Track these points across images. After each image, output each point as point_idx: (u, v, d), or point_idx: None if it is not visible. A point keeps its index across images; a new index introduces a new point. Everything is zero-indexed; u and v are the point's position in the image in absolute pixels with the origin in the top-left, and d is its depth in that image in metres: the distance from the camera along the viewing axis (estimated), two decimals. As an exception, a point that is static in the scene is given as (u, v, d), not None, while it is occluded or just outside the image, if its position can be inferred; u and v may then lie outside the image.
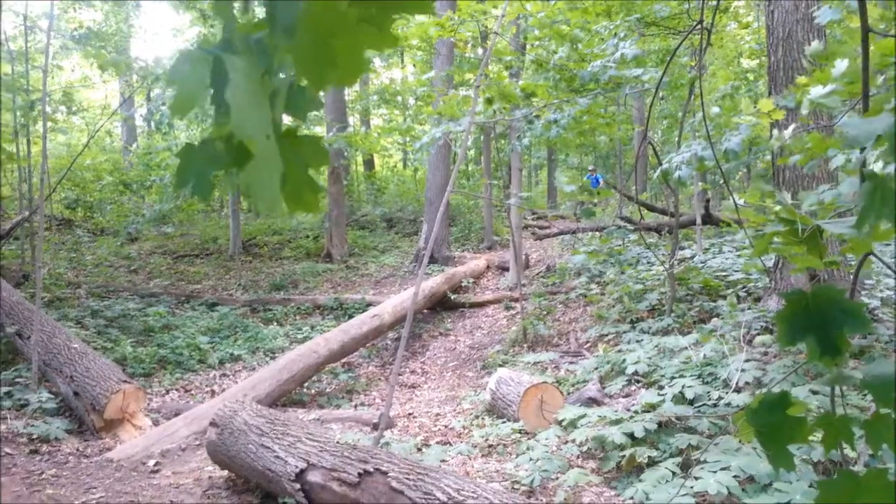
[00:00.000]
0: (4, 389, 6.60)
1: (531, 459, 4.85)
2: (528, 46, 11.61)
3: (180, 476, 5.22)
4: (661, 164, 5.55)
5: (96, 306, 9.54)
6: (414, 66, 23.08)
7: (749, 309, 6.61)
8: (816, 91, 3.44)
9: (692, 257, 9.63)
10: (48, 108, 10.38)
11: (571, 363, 7.32)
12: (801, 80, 3.76)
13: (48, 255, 12.33)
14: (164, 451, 5.69)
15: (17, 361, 7.41)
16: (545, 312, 9.43)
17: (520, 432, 5.60)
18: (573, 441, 5.00)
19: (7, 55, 11.86)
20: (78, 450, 5.82)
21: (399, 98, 22.43)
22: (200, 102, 1.05)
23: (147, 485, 4.97)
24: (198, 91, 1.02)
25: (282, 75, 1.04)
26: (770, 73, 6.64)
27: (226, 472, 5.01)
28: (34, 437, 5.84)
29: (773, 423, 1.32)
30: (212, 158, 1.11)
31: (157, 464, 5.47)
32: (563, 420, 5.36)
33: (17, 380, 6.85)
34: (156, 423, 6.43)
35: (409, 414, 6.98)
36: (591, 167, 19.14)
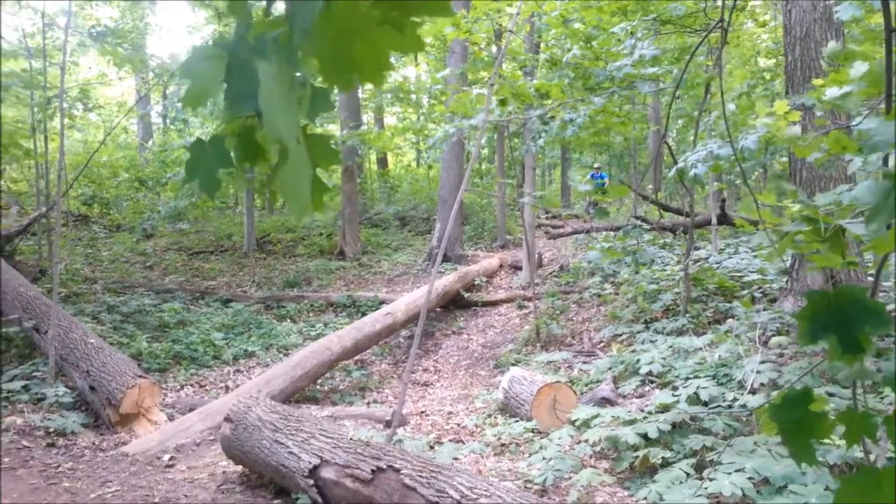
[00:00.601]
0: (22, 383, 6.67)
1: (544, 459, 4.84)
2: (542, 45, 11.57)
3: (195, 470, 5.25)
4: (676, 164, 5.52)
5: (112, 302, 9.62)
6: (427, 64, 23.08)
7: (765, 310, 6.56)
8: (832, 92, 3.42)
9: (707, 258, 9.58)
10: (65, 104, 10.47)
11: (585, 363, 7.30)
12: (818, 81, 3.73)
13: (65, 251, 12.45)
14: (179, 446, 5.73)
15: (34, 356, 7.48)
16: (558, 312, 9.41)
17: (532, 431, 5.60)
18: (586, 441, 4.99)
19: (25, 52, 11.97)
20: (94, 444, 5.88)
21: (413, 96, 22.44)
22: (213, 97, 1.05)
23: (162, 479, 5.01)
24: (211, 86, 1.03)
25: (297, 74, 1.05)
26: (787, 72, 6.59)
27: (240, 468, 5.04)
28: (51, 430, 5.91)
29: (795, 418, 1.32)
30: (221, 156, 1.12)
31: (171, 458, 5.51)
32: (576, 420, 5.35)
33: (35, 374, 6.92)
34: (171, 418, 6.47)
35: (422, 412, 6.99)
36: (596, 165, 18.74)
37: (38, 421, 5.99)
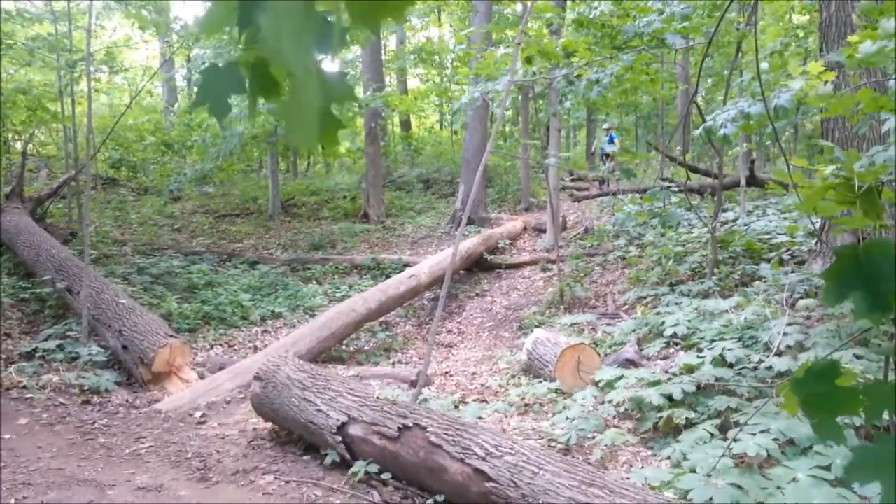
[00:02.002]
0: (56, 342, 6.85)
1: (567, 418, 4.88)
2: (569, 2, 11.33)
3: (226, 427, 5.39)
4: (705, 123, 5.41)
5: (142, 263, 9.78)
6: (451, 24, 22.75)
7: (793, 272, 6.49)
8: (866, 48, 3.30)
9: (735, 219, 9.45)
10: (91, 68, 10.51)
11: (609, 325, 7.30)
12: (853, 38, 3.62)
13: (94, 214, 12.64)
14: (210, 404, 5.87)
15: (67, 316, 7.67)
16: (582, 274, 9.39)
17: (556, 392, 5.64)
18: (610, 401, 5.02)
19: (51, 16, 12.00)
20: (127, 401, 6.05)
21: (436, 57, 22.18)
22: (230, 23, 1.02)
23: (194, 435, 5.15)
24: (229, 11, 1.00)
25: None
26: (822, 28, 6.39)
27: (269, 425, 5.16)
28: (85, 388, 6.08)
29: (820, 393, 1.24)
30: (233, 81, 1.10)
31: (203, 415, 5.66)
32: (600, 381, 5.37)
33: (68, 333, 7.10)
34: (201, 376, 6.62)
35: (446, 372, 7.07)
36: (606, 125, 17.27)
37: (73, 379, 6.16)
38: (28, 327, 7.73)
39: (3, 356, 6.80)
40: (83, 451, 4.74)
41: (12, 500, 3.77)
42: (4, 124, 12.43)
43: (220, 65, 1.12)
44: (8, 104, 11.83)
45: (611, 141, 16.36)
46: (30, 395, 5.81)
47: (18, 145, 14.95)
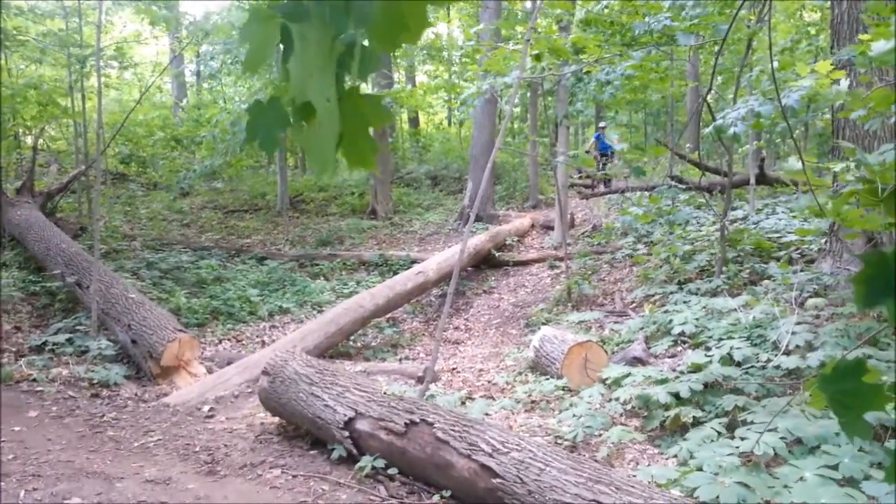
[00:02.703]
0: (66, 336, 6.90)
1: (574, 416, 4.88)
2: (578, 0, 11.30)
3: (234, 421, 5.42)
4: (715, 121, 5.39)
5: (151, 258, 9.83)
6: (460, 20, 22.72)
7: (802, 271, 6.46)
8: (879, 46, 3.28)
9: (744, 218, 9.41)
10: (101, 63, 10.56)
11: (616, 323, 7.29)
12: (864, 36, 3.59)
13: (104, 209, 12.70)
14: (218, 398, 5.90)
15: (76, 310, 7.71)
16: (590, 272, 9.37)
17: (563, 389, 5.63)
18: (617, 399, 5.01)
19: (61, 11, 12.06)
20: (136, 395, 6.08)
21: (445, 54, 22.15)
22: (270, 59, 1.09)
23: (202, 429, 5.18)
24: (267, 48, 1.07)
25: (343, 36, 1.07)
26: (833, 26, 6.35)
27: (277, 419, 5.18)
28: (95, 381, 6.12)
29: (847, 390, 1.27)
30: (279, 116, 1.15)
31: (211, 409, 5.69)
32: (607, 378, 5.36)
33: (78, 327, 7.14)
34: (209, 371, 6.65)
35: (453, 369, 7.07)
36: (601, 124, 16.19)
37: (83, 372, 6.21)
38: (38, 321, 7.78)
39: (14, 349, 6.85)
40: (92, 444, 4.77)
41: (22, 492, 3.80)
42: (16, 119, 12.49)
43: (264, 101, 1.17)
44: (19, 99, 11.90)
45: (604, 142, 15.35)
46: (40, 388, 5.86)
47: (29, 140, 15.03)
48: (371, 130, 1.19)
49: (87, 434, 5.00)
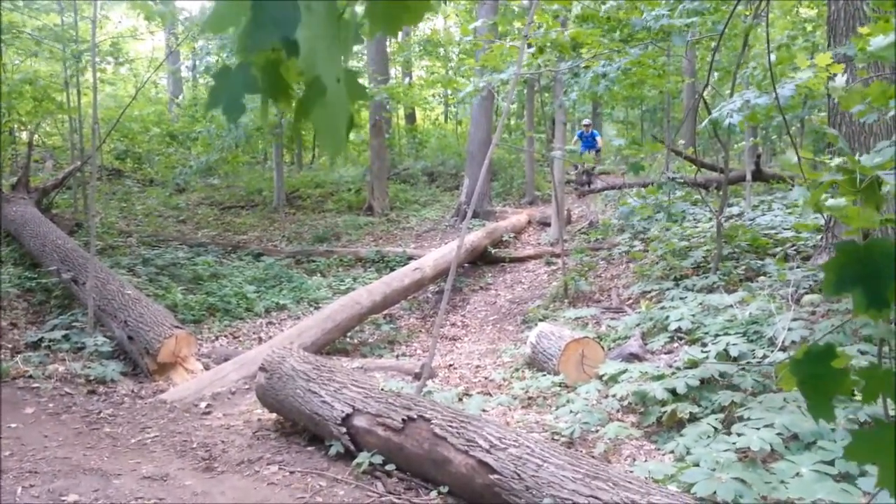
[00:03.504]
0: (62, 333, 6.88)
1: (571, 412, 4.90)
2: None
3: (231, 418, 5.42)
4: (711, 115, 5.40)
5: (147, 254, 9.81)
6: (457, 16, 22.69)
7: (798, 268, 6.48)
8: (878, 42, 3.28)
9: (740, 214, 9.43)
10: (96, 59, 10.52)
11: (613, 319, 7.31)
12: (863, 29, 3.58)
13: (100, 205, 12.66)
14: (215, 394, 5.90)
15: (73, 306, 7.69)
16: (587, 268, 9.39)
17: (560, 386, 5.64)
18: (614, 395, 5.03)
19: (56, 6, 12.00)
20: (133, 391, 6.08)
21: (442, 49, 22.13)
22: (238, 23, 1.02)
23: (199, 425, 5.18)
24: (238, 10, 0.99)
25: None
26: (830, 22, 6.36)
27: (274, 415, 5.18)
28: (91, 378, 6.11)
29: (816, 374, 1.29)
30: (247, 82, 1.09)
31: (208, 406, 5.68)
32: (603, 375, 5.38)
33: (74, 324, 7.12)
34: (206, 367, 6.65)
35: (450, 365, 7.08)
36: (585, 122, 15.37)
37: (79, 369, 6.19)
38: (34, 317, 7.76)
39: (10, 346, 6.84)
40: (89, 441, 4.77)
41: (19, 488, 3.80)
42: (11, 114, 12.44)
43: (232, 67, 1.10)
44: (14, 94, 11.85)
45: (588, 141, 14.66)
46: (36, 385, 5.85)
47: (24, 135, 14.97)
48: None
49: (84, 431, 4.99)
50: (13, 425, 4.93)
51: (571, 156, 11.62)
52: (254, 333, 8.28)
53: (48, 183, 11.84)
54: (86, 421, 5.21)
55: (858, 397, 1.31)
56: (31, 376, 6.00)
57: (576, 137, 15.15)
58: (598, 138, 15.09)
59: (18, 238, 9.27)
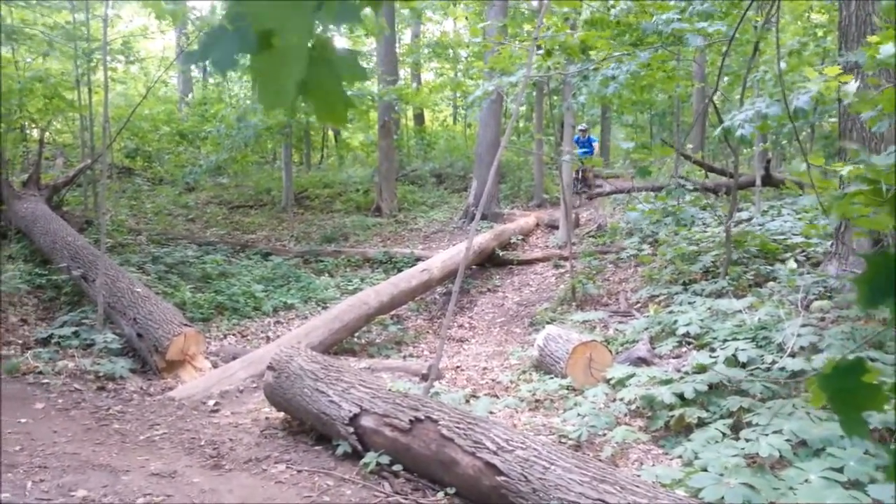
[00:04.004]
0: (72, 329, 6.93)
1: (578, 415, 4.90)
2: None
3: (239, 416, 5.43)
4: (722, 123, 5.39)
5: (157, 253, 9.85)
6: (467, 17, 22.71)
7: (807, 273, 6.45)
8: (887, 49, 3.28)
9: (750, 219, 9.41)
10: (108, 57, 10.58)
11: (621, 323, 7.30)
12: (873, 38, 3.58)
13: (110, 203, 12.72)
14: (223, 392, 5.92)
15: (82, 303, 7.73)
16: (595, 272, 9.38)
17: (567, 389, 5.64)
18: (621, 399, 5.02)
19: (68, 4, 12.06)
20: (142, 388, 6.11)
21: (451, 51, 22.14)
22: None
23: (207, 423, 5.19)
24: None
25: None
26: (841, 28, 6.34)
27: (282, 414, 5.20)
28: (101, 374, 6.14)
29: (846, 389, 1.28)
30: (244, 41, 1.09)
31: (216, 404, 5.70)
32: (611, 378, 5.37)
33: (84, 321, 7.16)
34: (215, 365, 6.67)
35: (457, 367, 7.09)
36: (580, 127, 13.77)
37: (89, 365, 6.23)
38: (44, 313, 7.81)
39: (20, 342, 6.88)
40: (98, 437, 4.79)
41: (29, 483, 3.82)
42: (22, 112, 12.51)
43: (230, 28, 1.09)
44: (25, 92, 11.92)
45: (585, 146, 13.73)
46: (46, 381, 5.88)
47: (35, 133, 15.05)
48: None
49: (93, 427, 5.02)
50: (23, 420, 4.96)
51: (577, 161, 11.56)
52: (262, 332, 8.31)
53: (59, 180, 11.90)
54: (95, 417, 5.24)
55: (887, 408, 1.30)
56: (41, 372, 6.03)
57: (572, 141, 14.51)
58: (595, 144, 14.39)
59: (29, 235, 9.33)
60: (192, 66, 22.46)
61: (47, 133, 14.61)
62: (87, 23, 11.71)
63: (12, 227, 9.82)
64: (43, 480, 3.88)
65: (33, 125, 14.76)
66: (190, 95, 22.47)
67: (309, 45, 1.02)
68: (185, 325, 6.66)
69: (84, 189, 12.33)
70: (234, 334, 8.14)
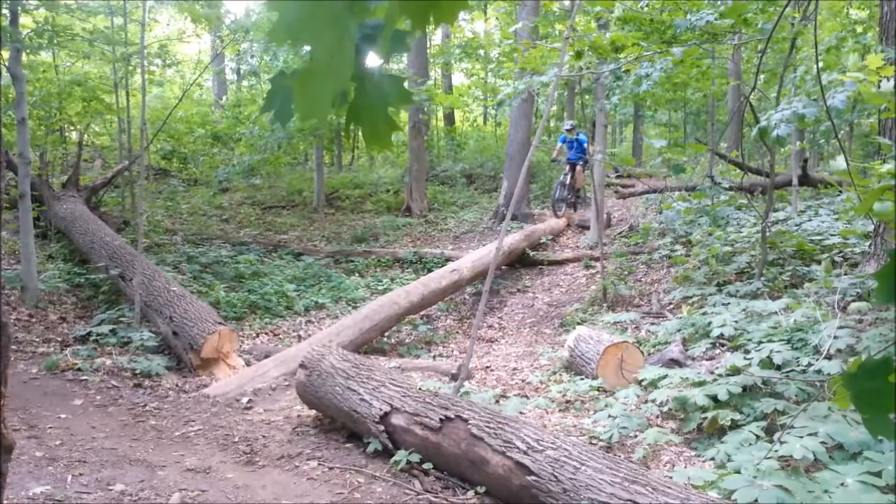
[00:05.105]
0: (109, 327, 7.09)
1: (610, 416, 4.86)
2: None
3: (271, 413, 5.51)
4: (758, 122, 5.31)
5: (192, 252, 10.02)
6: (497, 18, 22.68)
7: (845, 275, 6.32)
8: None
9: (786, 219, 9.24)
10: (145, 61, 10.79)
11: (653, 324, 7.22)
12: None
13: (147, 203, 12.95)
14: (256, 390, 6.00)
15: (120, 302, 7.91)
16: (626, 272, 9.30)
17: (598, 390, 5.61)
18: (653, 401, 4.98)
19: (107, 9, 12.33)
20: (177, 385, 6.22)
21: (482, 52, 22.12)
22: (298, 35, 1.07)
23: (241, 420, 5.28)
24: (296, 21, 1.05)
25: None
26: (882, 24, 6.20)
27: (313, 412, 5.25)
28: (137, 371, 6.27)
29: (873, 389, 1.25)
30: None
31: (249, 401, 5.79)
32: (643, 380, 5.32)
33: (121, 319, 7.32)
34: (248, 363, 6.77)
35: (487, 367, 7.09)
36: (567, 126, 12.75)
37: (126, 363, 6.37)
38: (82, 312, 8.00)
39: (59, 339, 7.06)
40: (135, 433, 4.90)
41: (69, 476, 3.92)
42: (61, 115, 12.82)
43: (287, 72, 1.16)
44: (64, 95, 12.22)
45: (574, 146, 12.62)
46: (84, 378, 6.02)
47: (74, 135, 15.41)
48: (396, 122, 1.20)
49: (130, 422, 5.13)
50: (63, 416, 5.09)
51: (613, 158, 11.43)
52: (293, 331, 8.40)
53: (97, 182, 12.18)
54: (132, 413, 5.35)
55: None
56: (79, 369, 6.18)
57: (559, 143, 12.95)
58: (587, 144, 12.43)
59: (68, 235, 9.57)
60: (226, 69, 22.81)
61: (86, 135, 14.93)
62: (125, 27, 11.97)
63: (52, 227, 10.08)
64: (82, 474, 3.98)
65: (72, 128, 15.12)
66: (224, 98, 22.79)
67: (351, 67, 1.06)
68: (220, 323, 6.77)
69: (122, 190, 12.59)
70: (266, 333, 8.25)
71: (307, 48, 1.08)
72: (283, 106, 1.19)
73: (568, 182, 12.66)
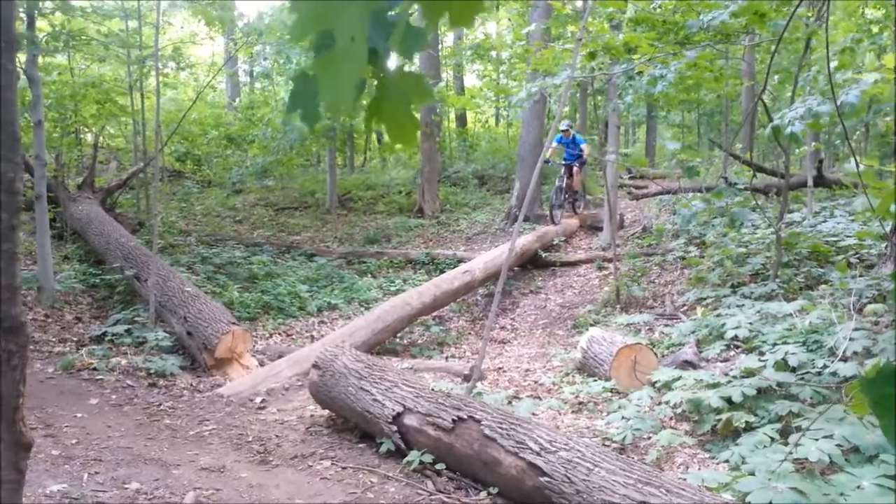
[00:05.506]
0: (125, 327, 7.15)
1: (623, 418, 4.84)
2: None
3: (285, 413, 5.53)
4: (771, 122, 5.27)
5: (206, 253, 10.08)
6: (510, 20, 22.66)
7: (861, 276, 6.27)
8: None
9: (801, 221, 9.18)
10: (159, 63, 10.87)
11: (666, 326, 7.19)
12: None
13: (161, 205, 13.04)
14: (270, 390, 6.03)
15: (134, 302, 7.97)
16: (639, 274, 9.26)
17: (611, 391, 5.59)
18: (667, 402, 4.95)
19: (121, 13, 12.43)
20: (191, 385, 6.26)
21: (494, 53, 22.11)
22: (318, 31, 1.08)
23: (255, 420, 5.30)
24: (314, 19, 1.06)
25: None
26: (899, 23, 6.15)
27: (326, 412, 5.27)
28: (152, 371, 6.32)
29: (891, 394, 1.25)
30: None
31: (263, 401, 5.82)
32: (657, 381, 5.30)
33: (136, 319, 7.38)
34: (261, 363, 6.80)
35: (499, 368, 7.08)
36: (563, 127, 11.95)
37: (141, 363, 6.42)
38: (98, 312, 8.08)
39: (75, 339, 7.13)
40: (150, 432, 4.93)
41: (85, 475, 3.96)
42: (77, 117, 12.95)
43: (310, 72, 1.15)
44: (79, 97, 12.34)
45: (571, 148, 12.22)
46: (100, 377, 6.07)
47: (90, 137, 15.56)
48: (419, 120, 1.20)
49: (145, 422, 5.17)
50: (78, 415, 5.14)
51: (626, 159, 11.36)
52: (306, 332, 8.43)
53: (112, 183, 12.29)
54: (147, 412, 5.39)
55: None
56: (95, 368, 6.23)
57: (553, 143, 11.96)
58: (584, 145, 12.14)
59: (84, 236, 9.66)
60: (240, 71, 22.94)
61: (101, 137, 15.07)
62: (140, 30, 12.07)
63: (68, 228, 10.18)
64: (98, 473, 4.01)
65: (87, 130, 15.27)
66: (238, 100, 22.92)
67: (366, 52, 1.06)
68: (234, 323, 6.81)
69: (136, 191, 12.69)
70: (279, 333, 8.29)
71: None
72: (308, 106, 1.18)
73: (565, 185, 12.31)
